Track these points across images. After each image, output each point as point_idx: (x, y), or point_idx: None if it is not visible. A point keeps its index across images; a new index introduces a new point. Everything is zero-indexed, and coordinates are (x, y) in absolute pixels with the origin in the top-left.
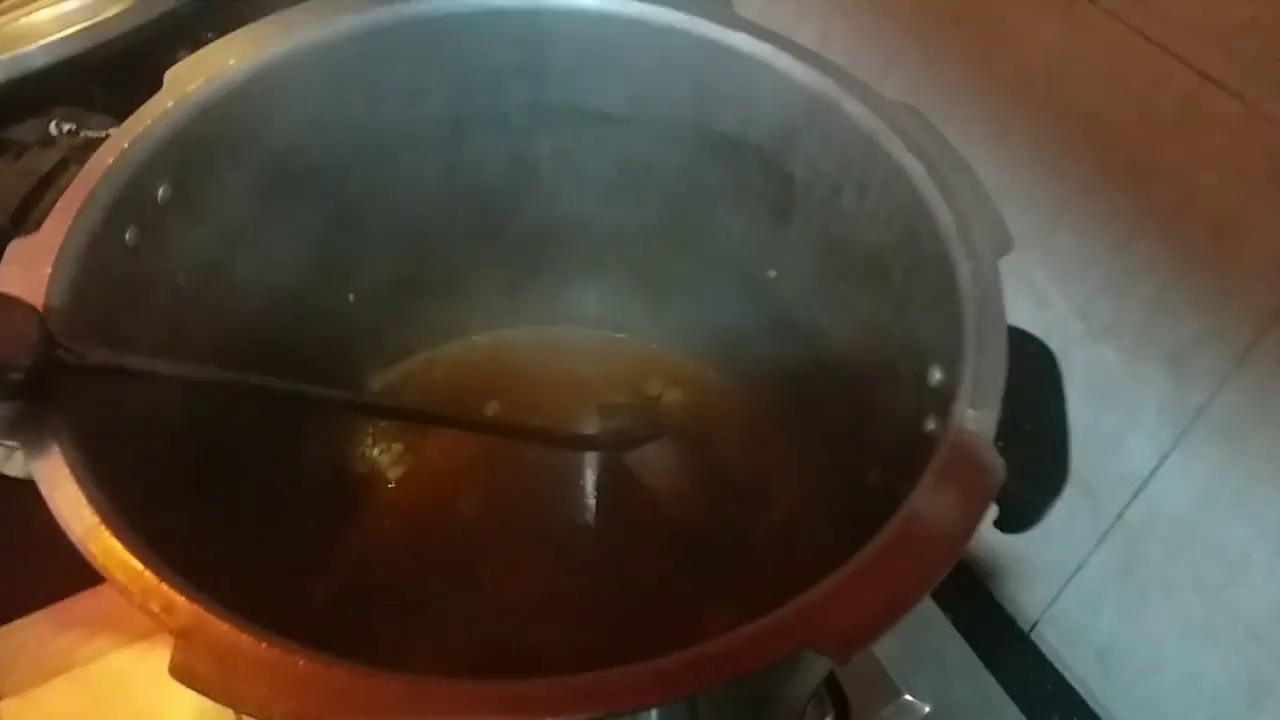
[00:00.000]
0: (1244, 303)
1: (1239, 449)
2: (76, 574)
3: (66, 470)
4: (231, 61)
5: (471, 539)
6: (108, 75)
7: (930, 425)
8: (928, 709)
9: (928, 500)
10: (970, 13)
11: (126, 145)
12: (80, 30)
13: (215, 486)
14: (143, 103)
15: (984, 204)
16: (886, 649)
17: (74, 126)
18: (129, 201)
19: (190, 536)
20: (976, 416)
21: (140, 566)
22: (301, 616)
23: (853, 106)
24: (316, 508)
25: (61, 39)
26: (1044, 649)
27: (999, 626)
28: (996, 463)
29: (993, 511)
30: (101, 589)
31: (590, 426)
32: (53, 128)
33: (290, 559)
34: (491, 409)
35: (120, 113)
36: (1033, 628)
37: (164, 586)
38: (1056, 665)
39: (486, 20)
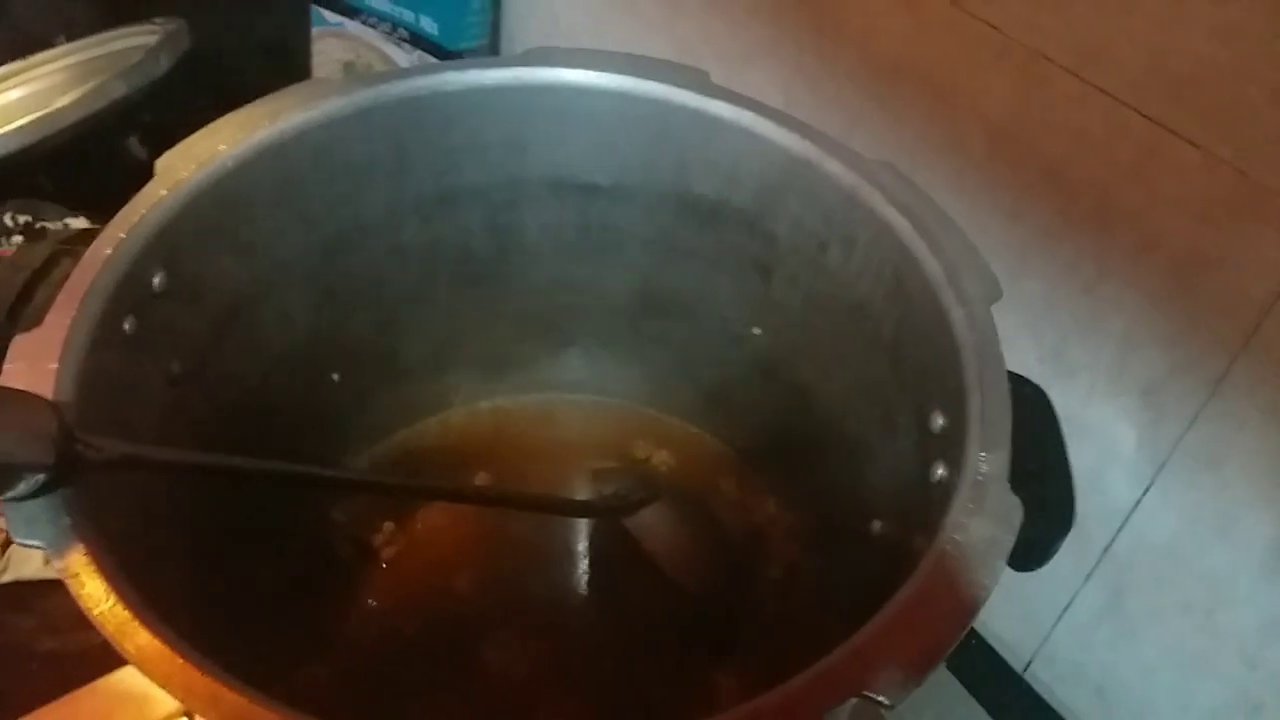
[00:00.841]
0: (1212, 336)
1: (1217, 476)
2: (48, 681)
3: (93, 566)
4: (221, 147)
5: (470, 618)
6: (56, 164)
7: (940, 471)
8: None
9: (954, 541)
10: (930, 73)
11: (123, 235)
12: (31, 121)
13: (210, 579)
14: (94, 189)
15: (970, 253)
16: None
17: (29, 218)
18: (127, 291)
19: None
20: (989, 458)
21: (181, 661)
22: (301, 707)
23: (832, 166)
24: (309, 595)
25: (12, 130)
26: (1039, 689)
27: (993, 669)
28: (1013, 502)
29: None
30: (76, 695)
31: (584, 493)
32: (8, 219)
33: (285, 649)
34: (481, 481)
35: (70, 201)
36: (1026, 668)
37: (208, 680)
38: (1053, 704)
39: (470, 98)
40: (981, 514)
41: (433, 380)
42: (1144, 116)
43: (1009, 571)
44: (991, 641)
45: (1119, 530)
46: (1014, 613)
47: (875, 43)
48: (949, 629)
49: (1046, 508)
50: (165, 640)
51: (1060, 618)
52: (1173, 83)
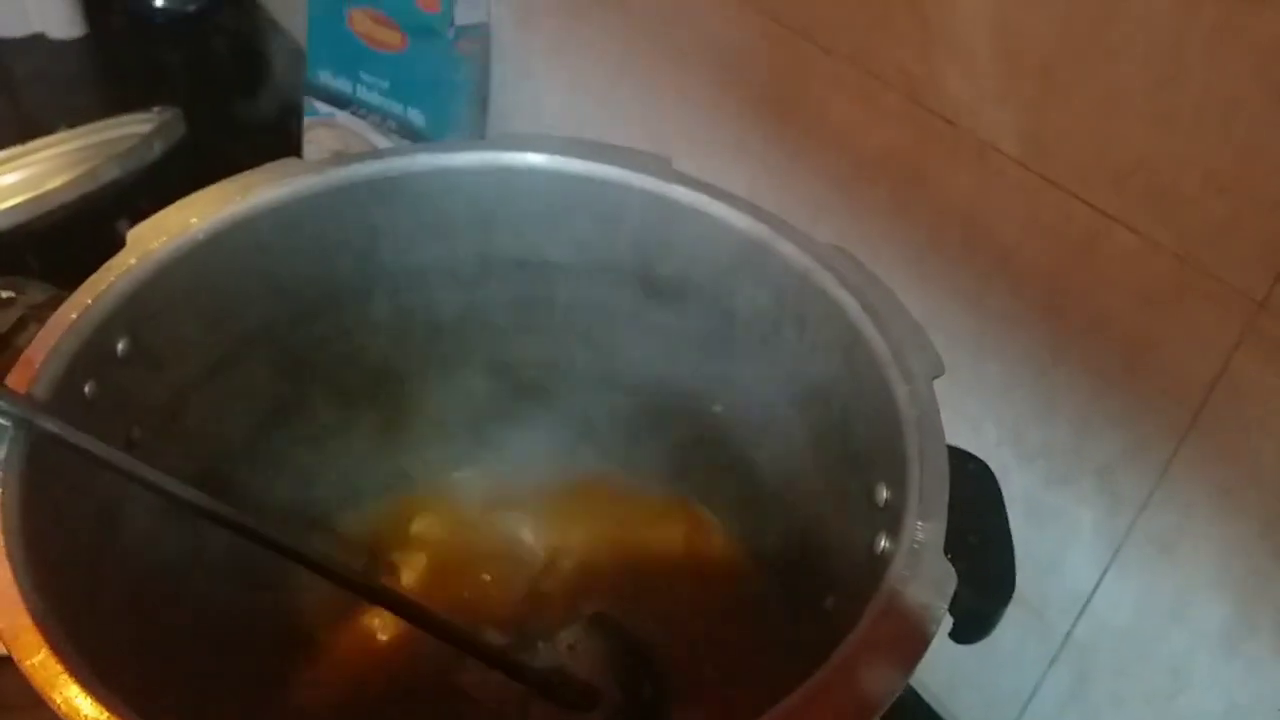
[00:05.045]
0: (1160, 418)
1: (1171, 559)
2: None
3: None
4: (193, 220)
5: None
6: (47, 244)
7: (883, 544)
8: None
9: (887, 609)
10: (889, 164)
11: (89, 301)
12: (22, 201)
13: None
14: (82, 269)
15: (914, 331)
16: None
17: (12, 294)
18: (89, 356)
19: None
20: (925, 528)
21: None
22: None
23: (786, 248)
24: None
25: (3, 209)
26: None
27: None
28: (947, 570)
29: (947, 623)
30: None
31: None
32: None
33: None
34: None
35: (57, 279)
36: None
37: None
38: None
39: (438, 179)
40: (915, 581)
41: (395, 456)
42: (1088, 204)
43: (975, 657)
44: None
45: (1079, 615)
46: (980, 700)
47: (836, 136)
48: (874, 699)
49: (987, 580)
50: (96, 696)
51: (1026, 706)
52: (1114, 171)
